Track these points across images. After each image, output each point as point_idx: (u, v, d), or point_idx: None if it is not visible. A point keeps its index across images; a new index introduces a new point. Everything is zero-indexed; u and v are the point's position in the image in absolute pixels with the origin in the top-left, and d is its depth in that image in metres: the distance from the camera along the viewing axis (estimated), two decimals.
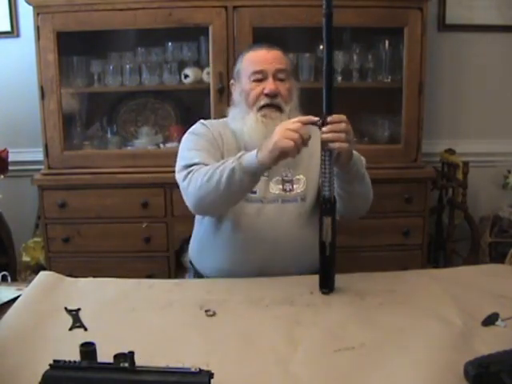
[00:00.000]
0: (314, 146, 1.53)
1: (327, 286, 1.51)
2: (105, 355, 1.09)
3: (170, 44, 2.55)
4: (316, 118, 1.43)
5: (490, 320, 1.32)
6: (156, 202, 2.48)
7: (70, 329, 1.32)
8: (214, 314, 1.38)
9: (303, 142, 1.42)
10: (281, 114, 1.67)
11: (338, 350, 1.20)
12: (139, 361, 1.04)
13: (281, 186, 1.72)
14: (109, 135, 2.67)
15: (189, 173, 1.60)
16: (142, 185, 2.48)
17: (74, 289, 1.56)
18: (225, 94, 2.39)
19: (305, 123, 1.44)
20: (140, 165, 2.50)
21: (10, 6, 2.73)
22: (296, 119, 1.46)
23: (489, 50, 2.86)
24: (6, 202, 2.20)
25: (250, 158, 1.48)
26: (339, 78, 2.54)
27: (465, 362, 1.08)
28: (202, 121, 1.82)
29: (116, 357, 1.08)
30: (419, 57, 2.45)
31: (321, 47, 2.45)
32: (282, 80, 1.69)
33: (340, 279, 1.53)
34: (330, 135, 1.41)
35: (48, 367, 1.03)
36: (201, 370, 1.01)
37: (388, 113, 2.63)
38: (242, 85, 1.72)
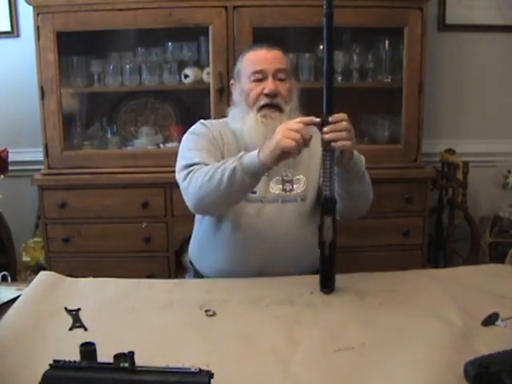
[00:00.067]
0: (315, 147, 1.54)
1: (327, 286, 1.51)
2: (105, 355, 1.09)
3: (169, 44, 2.55)
4: (317, 119, 1.43)
5: (490, 320, 1.32)
6: (156, 202, 2.48)
7: (70, 329, 1.32)
8: (213, 314, 1.38)
9: (305, 142, 1.42)
10: (281, 114, 1.67)
11: (337, 350, 1.20)
12: (139, 361, 1.03)
13: (281, 186, 1.72)
14: (109, 135, 2.67)
15: (189, 172, 1.60)
16: (141, 185, 2.48)
17: (74, 289, 1.56)
18: (225, 94, 2.39)
19: (306, 124, 1.44)
20: (140, 165, 2.50)
21: (10, 5, 2.73)
22: (298, 120, 1.46)
23: (489, 50, 2.87)
24: (5, 202, 2.20)
25: (251, 157, 1.48)
26: (339, 78, 2.54)
27: (465, 362, 1.08)
28: (202, 121, 1.82)
29: (116, 357, 1.08)
30: (419, 57, 2.45)
31: (321, 47, 2.45)
32: (281, 80, 1.69)
33: (340, 279, 1.53)
34: (332, 135, 1.41)
35: (48, 367, 1.03)
36: (201, 370, 1.01)
37: (388, 113, 2.63)
38: (242, 85, 1.72)
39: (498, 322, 1.31)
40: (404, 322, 1.33)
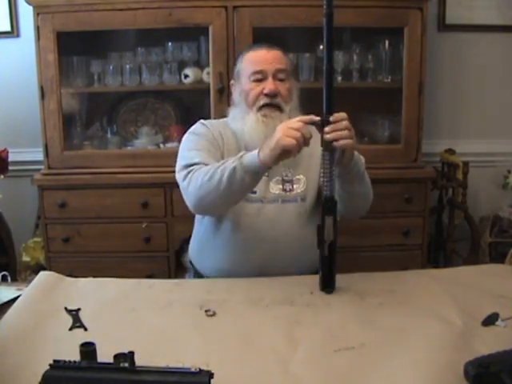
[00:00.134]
0: (314, 146, 1.53)
1: (328, 286, 1.51)
2: (105, 355, 1.09)
3: (169, 44, 2.55)
4: (317, 118, 1.43)
5: (490, 320, 1.32)
6: (156, 201, 2.48)
7: (70, 329, 1.32)
8: (213, 314, 1.38)
9: (305, 140, 1.42)
10: (281, 113, 1.67)
11: (337, 350, 1.20)
12: (139, 361, 1.03)
13: (281, 186, 1.72)
14: (109, 135, 2.67)
15: (189, 172, 1.60)
16: (141, 185, 2.48)
17: (74, 289, 1.56)
18: (225, 94, 2.39)
19: (306, 123, 1.44)
20: (140, 165, 2.50)
21: (10, 5, 2.73)
22: (298, 118, 1.46)
23: (489, 50, 2.87)
24: (5, 202, 2.20)
25: (252, 157, 1.48)
26: (339, 78, 2.54)
27: (465, 362, 1.08)
28: (202, 121, 1.82)
29: (116, 357, 1.08)
30: (419, 57, 2.45)
31: (321, 47, 2.45)
32: (281, 80, 1.69)
33: (340, 279, 1.53)
34: (333, 134, 1.41)
35: (48, 367, 1.03)
36: (201, 370, 1.01)
37: (388, 113, 2.63)
38: (242, 85, 1.72)
39: (498, 322, 1.31)
40: (404, 321, 1.33)
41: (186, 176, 1.60)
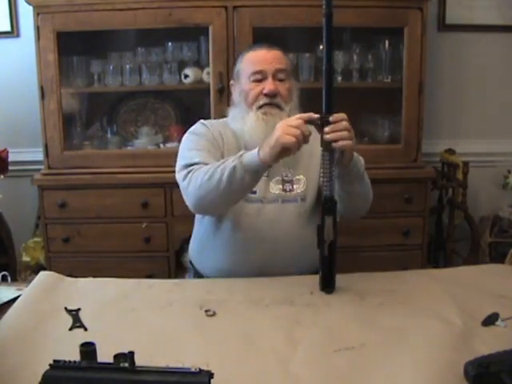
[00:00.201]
0: (314, 146, 1.54)
1: (328, 286, 1.51)
2: (105, 355, 1.09)
3: (169, 44, 2.55)
4: (316, 115, 1.44)
5: (490, 320, 1.32)
6: (156, 202, 2.48)
7: (70, 329, 1.32)
8: (213, 314, 1.38)
9: (304, 138, 1.42)
10: (281, 111, 1.67)
11: (337, 350, 1.20)
12: (139, 361, 1.03)
13: (281, 186, 1.72)
14: (109, 135, 2.67)
15: (189, 172, 1.60)
16: (142, 185, 2.48)
17: (74, 289, 1.56)
18: (225, 94, 2.39)
19: (305, 120, 1.44)
20: (140, 165, 2.50)
21: (10, 5, 2.73)
22: (297, 116, 1.46)
23: (489, 50, 2.87)
24: (5, 202, 2.20)
25: (252, 156, 1.48)
26: (339, 78, 2.55)
27: (465, 362, 1.08)
28: (202, 121, 1.82)
29: (116, 357, 1.08)
30: (419, 57, 2.45)
31: (321, 47, 2.45)
32: (281, 80, 1.69)
33: (340, 279, 1.53)
34: (332, 135, 1.41)
35: (48, 367, 1.03)
36: (201, 370, 1.01)
37: (388, 113, 2.63)
38: (242, 85, 1.72)
39: (498, 322, 1.31)
40: (404, 321, 1.33)
41: (185, 176, 1.60)
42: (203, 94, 2.50)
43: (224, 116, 1.86)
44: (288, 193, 1.71)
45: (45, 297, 1.49)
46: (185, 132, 1.79)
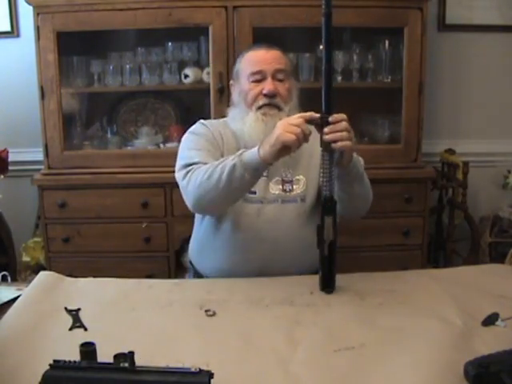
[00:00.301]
0: (314, 146, 1.54)
1: (328, 286, 1.51)
2: (105, 355, 1.09)
3: (169, 44, 2.55)
4: (317, 115, 1.44)
5: (490, 320, 1.32)
6: (156, 201, 2.48)
7: (70, 329, 1.32)
8: (213, 314, 1.38)
9: (305, 136, 1.42)
10: (280, 111, 1.67)
11: (338, 349, 1.20)
12: (139, 361, 1.03)
13: (280, 187, 1.72)
14: (109, 135, 2.67)
15: (188, 171, 1.60)
16: (141, 185, 2.48)
17: (74, 289, 1.56)
18: (225, 94, 2.39)
19: (306, 119, 1.44)
20: (140, 165, 2.50)
21: (10, 5, 2.73)
22: (298, 115, 1.46)
23: (489, 50, 2.86)
24: (5, 202, 2.21)
25: (251, 154, 1.48)
26: (339, 78, 2.55)
27: (465, 362, 1.08)
28: (201, 121, 1.82)
29: (116, 357, 1.08)
30: (419, 57, 2.45)
31: (321, 47, 2.44)
32: (281, 80, 1.69)
33: (340, 279, 1.53)
34: (332, 135, 1.41)
35: (48, 367, 1.03)
36: (201, 370, 1.01)
37: (388, 113, 2.63)
38: (241, 85, 1.72)
39: (498, 322, 1.31)
40: (404, 321, 1.33)
41: (185, 175, 1.60)
42: (203, 93, 2.50)
43: (224, 116, 1.86)
44: (288, 193, 1.71)
45: (45, 297, 1.49)
46: (185, 132, 1.79)
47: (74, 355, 1.07)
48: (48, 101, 2.43)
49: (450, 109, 2.91)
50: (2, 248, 2.66)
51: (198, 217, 1.83)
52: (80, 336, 1.25)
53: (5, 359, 1.16)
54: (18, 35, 2.76)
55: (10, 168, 2.32)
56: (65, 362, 1.03)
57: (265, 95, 1.67)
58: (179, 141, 1.80)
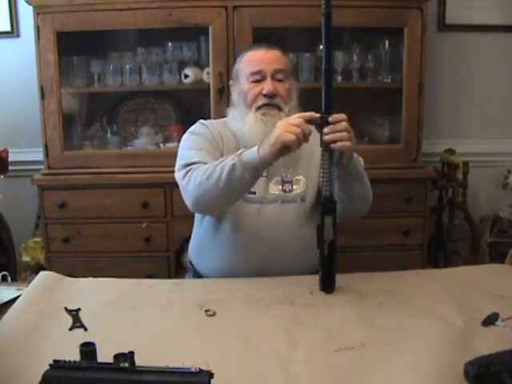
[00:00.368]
0: (314, 146, 1.54)
1: (328, 286, 1.51)
2: (105, 355, 1.09)
3: (169, 44, 2.55)
4: (317, 115, 1.44)
5: (490, 320, 1.32)
6: (156, 202, 2.48)
7: (70, 329, 1.32)
8: (213, 314, 1.38)
9: (305, 136, 1.42)
10: (279, 111, 1.66)
11: (338, 349, 1.20)
12: (139, 361, 1.03)
13: (280, 187, 1.71)
14: (109, 135, 2.67)
15: (188, 171, 1.60)
16: (142, 185, 2.48)
17: (74, 289, 1.56)
18: (225, 94, 2.39)
19: (306, 119, 1.44)
20: (140, 165, 2.50)
21: (10, 5, 2.73)
22: (298, 115, 1.46)
23: (489, 50, 2.87)
24: (6, 202, 2.21)
25: (251, 154, 1.48)
26: (339, 78, 2.55)
27: (465, 362, 1.08)
28: (201, 121, 1.82)
29: (116, 357, 1.08)
30: (419, 57, 2.45)
31: (321, 47, 2.44)
32: (280, 80, 1.69)
33: (340, 279, 1.53)
34: (331, 136, 1.41)
35: (48, 367, 1.03)
36: (201, 370, 1.01)
37: (388, 113, 2.63)
38: (241, 85, 1.72)
39: (498, 322, 1.31)
40: (404, 321, 1.33)
41: (185, 175, 1.60)
42: (203, 93, 2.50)
43: (224, 116, 1.86)
44: (288, 193, 1.71)
45: (45, 297, 1.49)
46: (185, 132, 1.79)
47: (74, 355, 1.07)
48: (48, 101, 2.43)
49: (450, 109, 2.91)
50: (2, 248, 2.66)
51: (197, 217, 1.83)
52: (80, 336, 1.25)
53: (5, 359, 1.16)
54: (18, 35, 2.76)
55: (10, 168, 2.32)
56: (65, 362, 1.03)
57: (264, 95, 1.67)
58: (179, 141, 1.80)
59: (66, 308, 1.40)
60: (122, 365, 1.04)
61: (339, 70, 2.54)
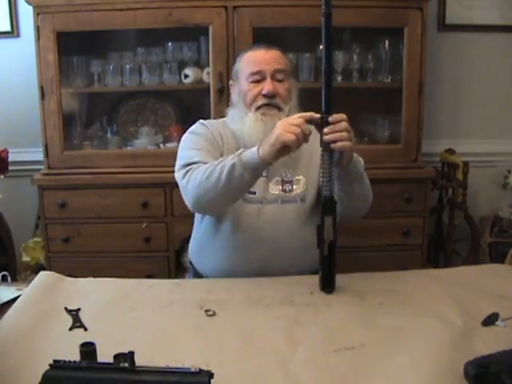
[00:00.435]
0: (314, 146, 1.53)
1: (328, 286, 1.51)
2: (105, 355, 1.09)
3: (169, 44, 2.55)
4: (317, 115, 1.44)
5: (490, 320, 1.32)
6: (156, 202, 2.48)
7: (70, 329, 1.32)
8: (213, 314, 1.38)
9: (304, 136, 1.42)
10: (279, 111, 1.66)
11: (338, 349, 1.20)
12: (139, 361, 1.03)
13: (280, 187, 1.71)
14: (109, 135, 2.67)
15: (188, 171, 1.60)
16: (141, 185, 2.48)
17: (74, 289, 1.56)
18: (225, 94, 2.39)
19: (306, 119, 1.44)
20: (140, 165, 2.50)
21: (10, 5, 2.73)
22: (298, 115, 1.46)
23: (489, 50, 2.87)
24: (6, 202, 2.21)
25: (251, 153, 1.48)
26: (339, 78, 2.55)
27: (465, 362, 1.08)
28: (201, 121, 1.82)
29: (116, 357, 1.08)
30: (419, 57, 2.45)
31: (321, 47, 2.44)
32: (280, 80, 1.69)
33: (340, 279, 1.53)
34: (331, 136, 1.41)
35: (48, 367, 1.03)
36: (201, 370, 1.01)
37: (388, 113, 2.63)
38: (241, 85, 1.72)
39: (498, 322, 1.31)
40: (404, 322, 1.33)
41: (184, 175, 1.60)
42: (203, 93, 2.50)
43: (223, 116, 1.86)
44: (287, 193, 1.71)
45: (45, 297, 1.49)
46: (184, 132, 1.79)
47: (74, 355, 1.07)
48: (48, 101, 2.43)
49: (450, 109, 2.91)
50: (2, 248, 2.66)
51: (197, 217, 1.83)
52: (80, 336, 1.25)
53: (5, 359, 1.16)
54: (18, 35, 2.76)
55: (10, 168, 2.32)
56: (65, 361, 1.03)
57: (264, 95, 1.67)
58: (179, 141, 1.80)
59: (66, 308, 1.40)
60: (122, 365, 1.04)
61: (339, 70, 2.54)
